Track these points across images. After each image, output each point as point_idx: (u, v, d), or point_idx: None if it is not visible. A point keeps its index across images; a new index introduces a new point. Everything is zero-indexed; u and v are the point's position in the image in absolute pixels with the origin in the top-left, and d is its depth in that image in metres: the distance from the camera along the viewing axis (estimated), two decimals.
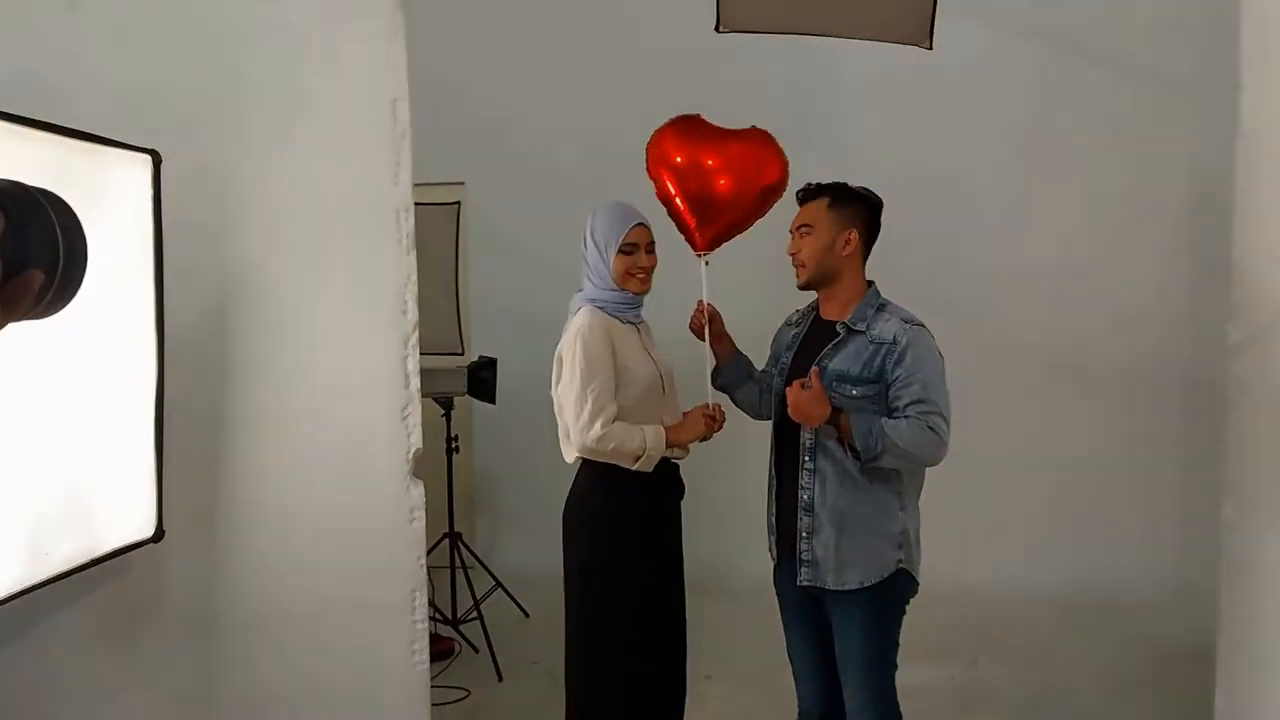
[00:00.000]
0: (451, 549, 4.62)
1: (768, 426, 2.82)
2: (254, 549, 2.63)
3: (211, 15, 2.47)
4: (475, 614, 4.50)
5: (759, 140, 2.88)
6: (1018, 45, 5.25)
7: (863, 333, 2.58)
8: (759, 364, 2.97)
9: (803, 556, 2.60)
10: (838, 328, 2.62)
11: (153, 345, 2.23)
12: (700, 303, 2.89)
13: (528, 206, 5.48)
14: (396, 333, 2.65)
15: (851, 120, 5.30)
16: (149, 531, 2.29)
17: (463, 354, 5.36)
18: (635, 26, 5.40)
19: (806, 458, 2.60)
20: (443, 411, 4.58)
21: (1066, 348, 5.21)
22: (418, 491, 2.74)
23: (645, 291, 2.80)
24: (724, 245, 2.91)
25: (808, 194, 2.71)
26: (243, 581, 2.64)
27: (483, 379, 4.59)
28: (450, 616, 4.55)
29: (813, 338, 2.70)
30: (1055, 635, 4.63)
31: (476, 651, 4.42)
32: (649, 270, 2.78)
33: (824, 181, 2.70)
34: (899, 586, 2.59)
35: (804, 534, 2.60)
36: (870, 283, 2.69)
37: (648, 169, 2.88)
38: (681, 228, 2.89)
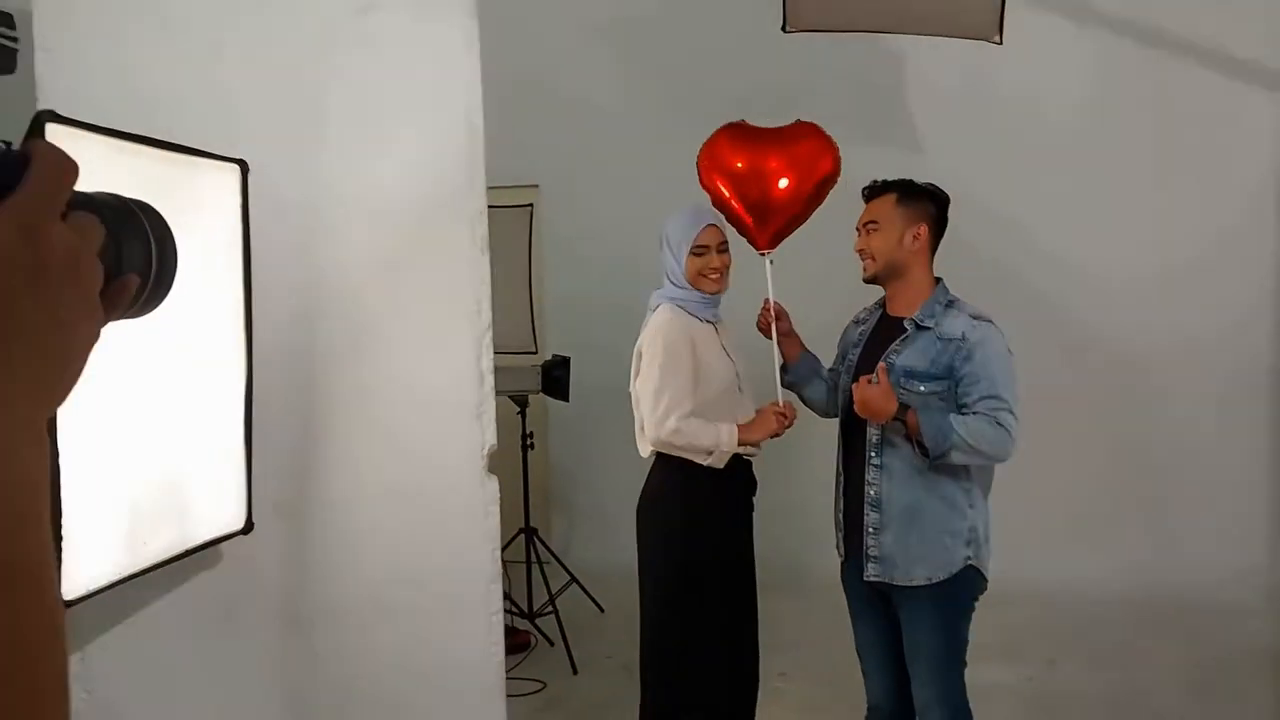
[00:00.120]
0: (527, 544, 4.70)
1: (836, 424, 2.83)
2: (337, 542, 2.72)
3: (295, 30, 2.57)
4: (550, 608, 4.57)
5: (809, 134, 2.89)
6: (1092, 36, 5.14)
7: (930, 329, 2.58)
8: (826, 362, 2.98)
9: (869, 552, 2.61)
10: (905, 324, 2.62)
11: (242, 344, 2.33)
12: (767, 301, 2.92)
13: (599, 208, 5.55)
14: (471, 333, 2.72)
15: (920, 116, 5.25)
16: (239, 524, 2.39)
17: (536, 353, 5.45)
18: (705, 28, 5.42)
19: (873, 454, 2.60)
20: (518, 409, 4.66)
21: (1149, 343, 5.09)
22: (493, 487, 2.80)
23: (720, 291, 2.83)
24: (789, 244, 2.93)
25: (874, 191, 2.71)
26: (326, 574, 2.73)
27: (556, 377, 4.66)
28: (526, 610, 4.63)
29: (880, 334, 2.70)
30: (1134, 636, 4.54)
31: (552, 645, 4.50)
32: (722, 270, 2.81)
33: (890, 178, 2.71)
34: (967, 583, 2.58)
35: (871, 530, 2.60)
36: (938, 279, 2.68)
37: (700, 179, 2.91)
38: (742, 230, 2.91)
